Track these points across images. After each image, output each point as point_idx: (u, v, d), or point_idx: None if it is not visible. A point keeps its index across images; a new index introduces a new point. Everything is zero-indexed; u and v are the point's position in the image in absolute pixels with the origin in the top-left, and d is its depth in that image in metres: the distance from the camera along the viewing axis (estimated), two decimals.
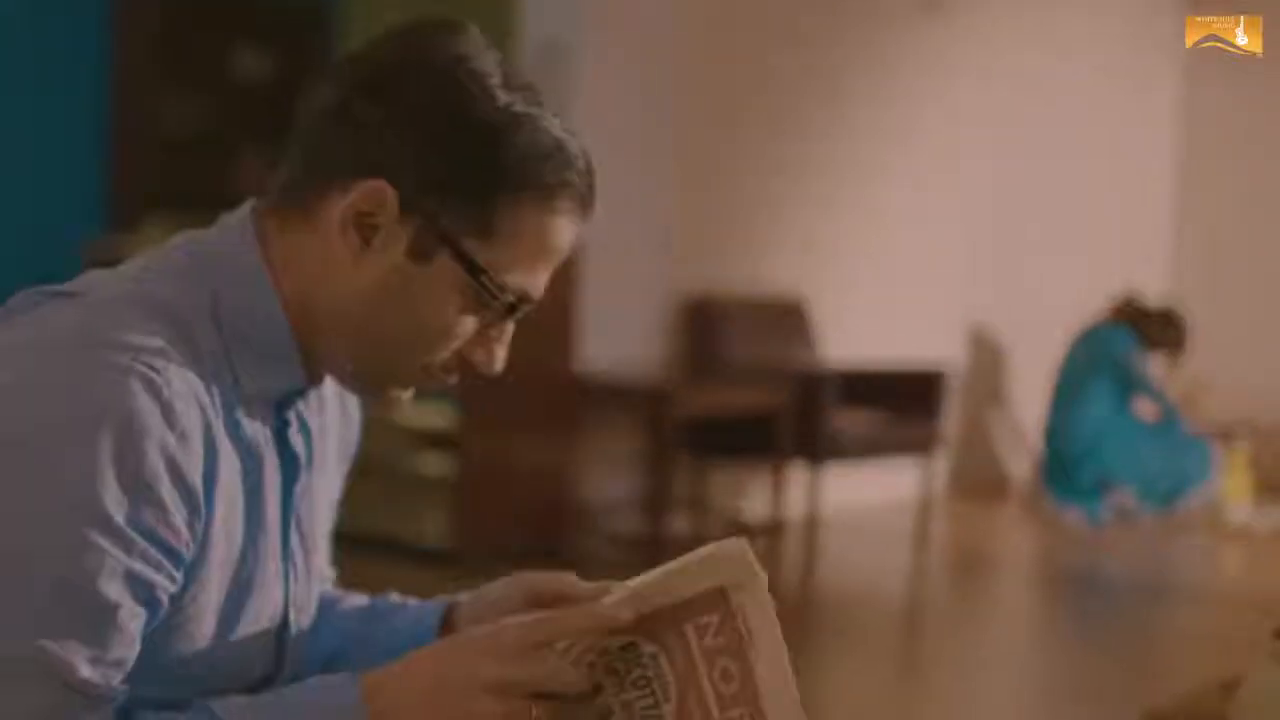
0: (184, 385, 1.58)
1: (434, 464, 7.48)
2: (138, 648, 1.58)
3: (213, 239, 1.74)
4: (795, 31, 8.99)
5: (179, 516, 1.57)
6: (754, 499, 8.53)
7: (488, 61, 1.74)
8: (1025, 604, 8.18)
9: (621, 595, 1.62)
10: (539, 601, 1.79)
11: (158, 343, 1.59)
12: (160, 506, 1.55)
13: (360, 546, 7.32)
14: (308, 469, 1.83)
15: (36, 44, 9.83)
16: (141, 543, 1.54)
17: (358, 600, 2.10)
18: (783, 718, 1.58)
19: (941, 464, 9.59)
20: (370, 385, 1.78)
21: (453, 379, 1.78)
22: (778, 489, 8.01)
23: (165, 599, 1.59)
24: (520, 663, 1.57)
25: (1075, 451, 9.71)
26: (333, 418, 1.94)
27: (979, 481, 10.46)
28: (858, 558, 8.49)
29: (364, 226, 1.68)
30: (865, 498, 9.18)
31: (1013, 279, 10.62)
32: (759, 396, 7.89)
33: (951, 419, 9.50)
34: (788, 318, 8.82)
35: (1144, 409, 10.01)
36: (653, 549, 7.21)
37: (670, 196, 8.38)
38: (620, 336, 8.07)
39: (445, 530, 7.29)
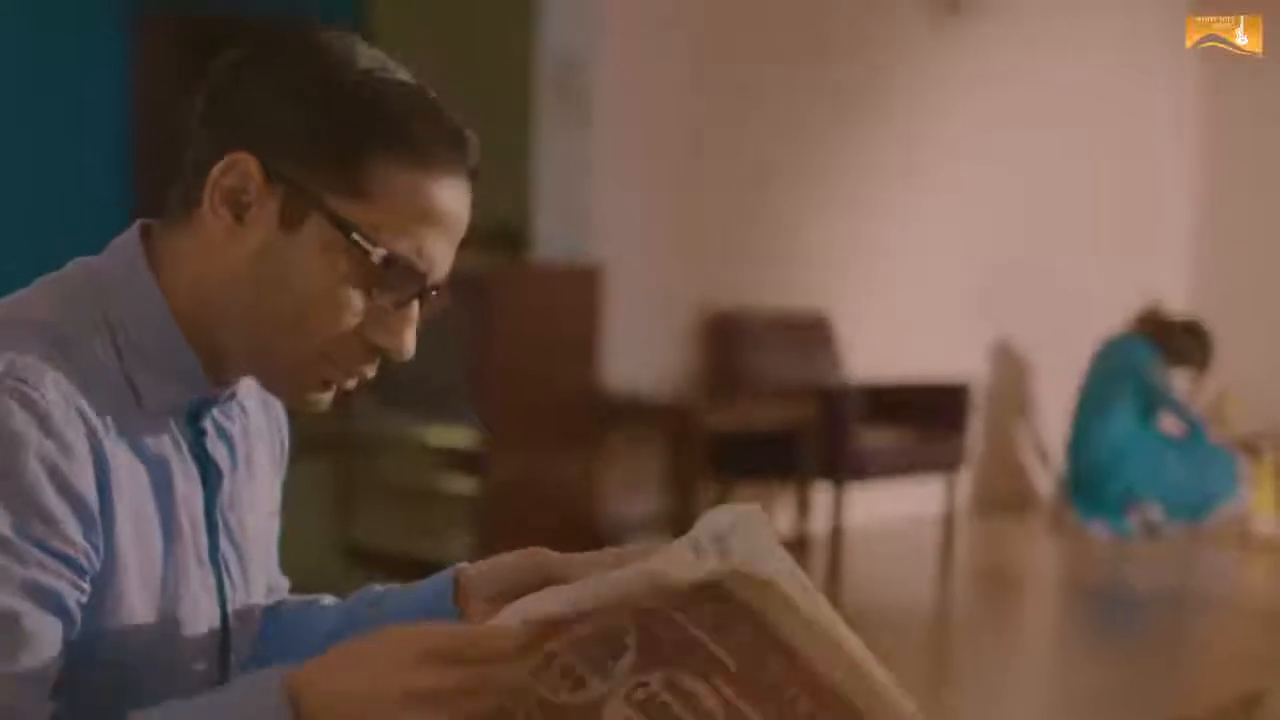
0: (62, 399, 1.56)
1: (457, 483, 7.48)
2: (56, 663, 1.54)
3: (102, 260, 1.73)
4: (816, 44, 8.98)
5: (70, 526, 1.54)
6: (778, 516, 8.51)
7: (348, 39, 1.73)
8: (1051, 619, 8.15)
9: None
10: (551, 583, 1.69)
11: (31, 360, 1.57)
12: (47, 516, 1.53)
13: (383, 566, 7.32)
14: (232, 477, 1.80)
15: (58, 60, 9.87)
16: (35, 552, 1.52)
17: (329, 599, 2.06)
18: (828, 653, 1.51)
19: (966, 479, 9.56)
20: (277, 382, 1.75)
21: (366, 370, 1.73)
22: (802, 506, 7.99)
23: (75, 608, 1.56)
24: (442, 669, 1.46)
25: (1100, 466, 9.68)
26: (257, 424, 1.90)
27: (1004, 497, 10.43)
28: (883, 574, 8.46)
29: (234, 204, 1.66)
30: (890, 513, 9.16)
31: (1036, 293, 10.59)
32: (783, 413, 7.88)
33: (976, 434, 9.48)
34: (812, 334, 8.80)
35: (1168, 422, 9.98)
36: None
37: (693, 212, 8.37)
38: (644, 354, 8.06)
39: (469, 549, 7.28)
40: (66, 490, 1.54)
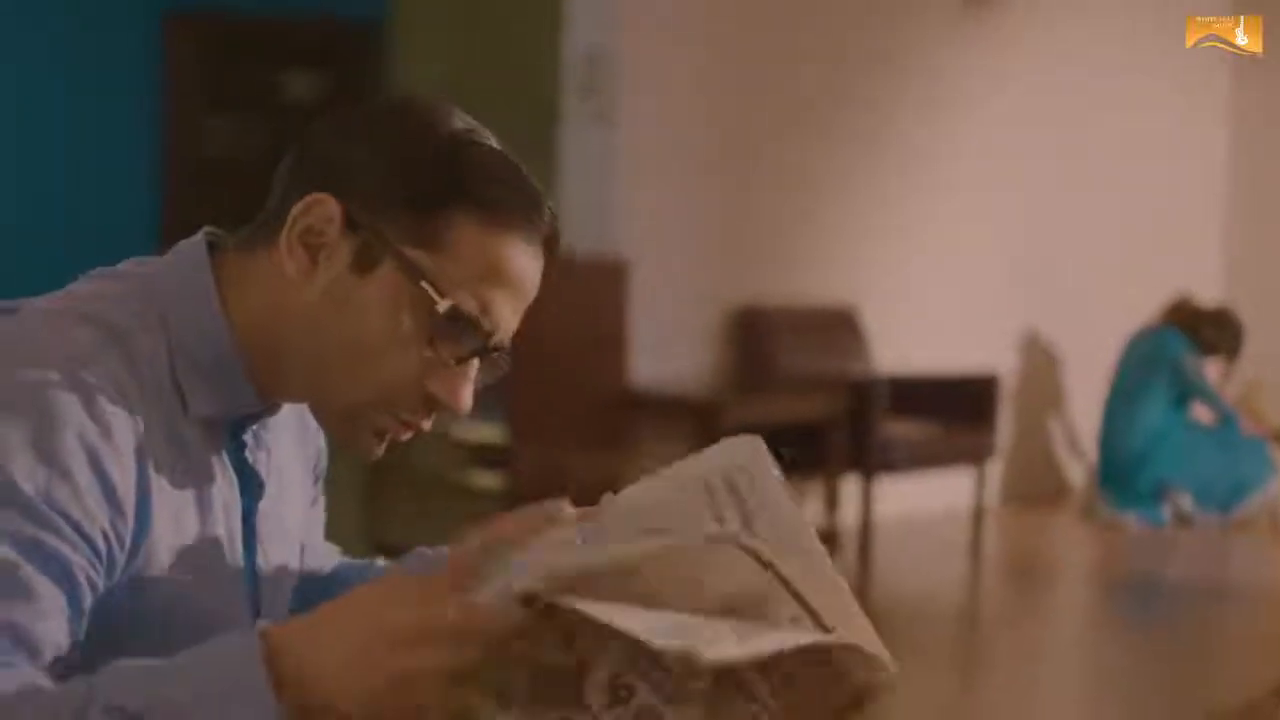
0: (111, 387, 1.58)
1: (485, 478, 7.48)
2: (57, 631, 1.53)
3: (164, 261, 1.75)
4: (840, 40, 8.96)
5: (96, 505, 1.54)
6: (807, 509, 8.50)
7: (443, 105, 1.76)
8: (1083, 610, 8.13)
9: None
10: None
11: (86, 349, 1.59)
12: (75, 489, 1.53)
13: None
14: (267, 490, 1.80)
15: (88, 69, 9.91)
16: (54, 518, 1.52)
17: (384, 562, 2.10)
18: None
19: (996, 471, 9.54)
20: (330, 421, 1.76)
21: (421, 422, 1.74)
22: (831, 500, 7.98)
23: (85, 583, 1.55)
24: (429, 605, 1.45)
25: (1132, 456, 9.65)
26: (293, 439, 1.91)
27: (1034, 488, 10.40)
28: (913, 567, 8.45)
29: (311, 245, 1.68)
30: (919, 506, 9.14)
31: (1065, 284, 10.56)
32: (810, 407, 7.86)
33: (1005, 426, 9.45)
34: (838, 327, 8.78)
35: (1200, 412, 9.95)
36: None
37: (717, 207, 8.36)
38: (670, 349, 8.05)
39: None
40: (100, 473, 1.55)
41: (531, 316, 6.50)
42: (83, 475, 1.53)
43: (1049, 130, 10.36)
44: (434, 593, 1.46)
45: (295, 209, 1.67)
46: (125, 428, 1.57)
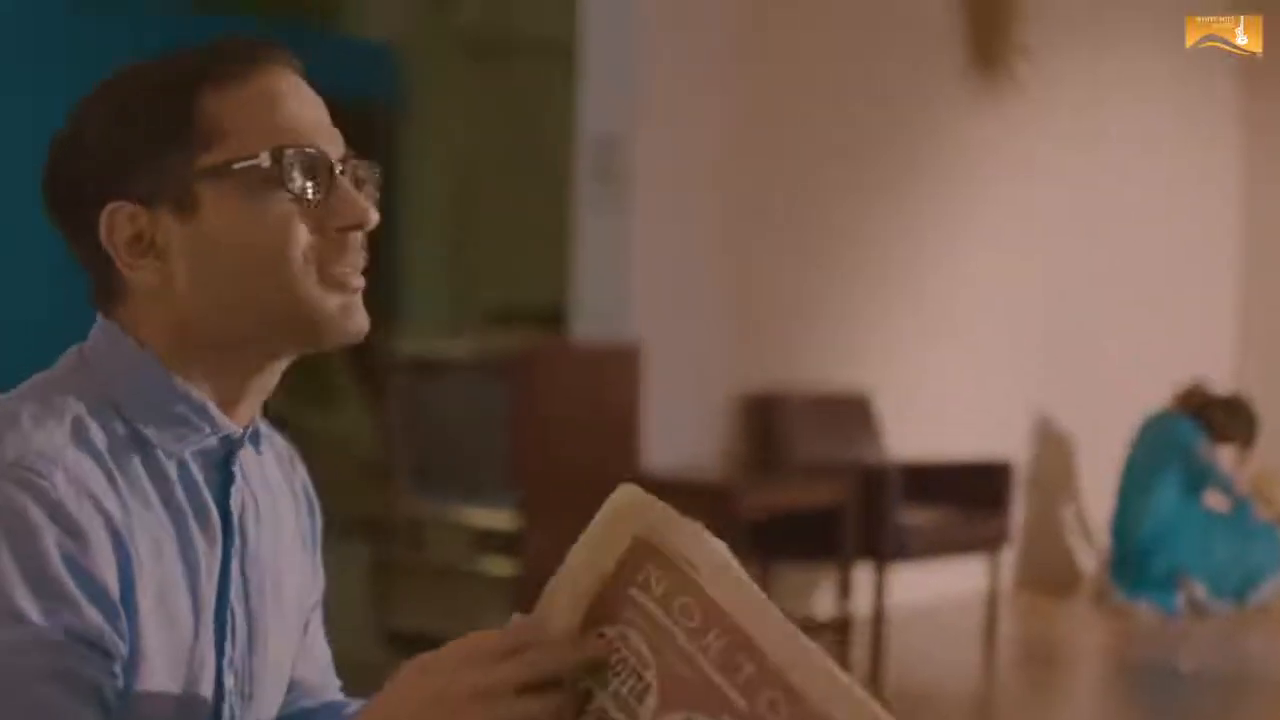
0: (73, 488, 1.56)
1: (497, 565, 7.46)
2: None
3: (88, 344, 1.74)
4: (852, 126, 8.99)
5: (93, 613, 1.54)
6: (820, 596, 8.47)
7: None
8: (1098, 698, 8.10)
9: (558, 606, 1.57)
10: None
11: (39, 448, 1.57)
12: (72, 604, 1.52)
13: (420, 647, 7.28)
14: (258, 537, 1.78)
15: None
16: (65, 639, 1.51)
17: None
18: (749, 615, 1.49)
19: (1009, 557, 9.51)
20: (303, 328, 1.71)
21: (357, 258, 1.72)
22: (844, 587, 7.95)
23: (111, 693, 1.56)
24: (497, 665, 1.51)
25: (1144, 543, 9.62)
26: (286, 507, 1.90)
27: (1047, 575, 10.37)
28: (926, 654, 8.41)
29: (142, 247, 1.68)
30: (932, 593, 9.10)
31: (1078, 370, 10.56)
32: (824, 493, 7.84)
33: (1019, 512, 9.43)
34: (852, 413, 8.77)
35: (1213, 499, 9.92)
36: None
37: (731, 292, 8.36)
38: (683, 434, 8.04)
39: None
40: (86, 579, 1.54)
41: (544, 400, 6.51)
42: (75, 590, 1.53)
43: (1062, 216, 10.38)
44: (493, 649, 1.54)
45: (104, 240, 1.67)
46: (95, 525, 1.56)
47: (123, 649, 1.58)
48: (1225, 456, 9.96)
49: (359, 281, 1.73)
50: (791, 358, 8.69)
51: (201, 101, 1.66)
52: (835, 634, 7.82)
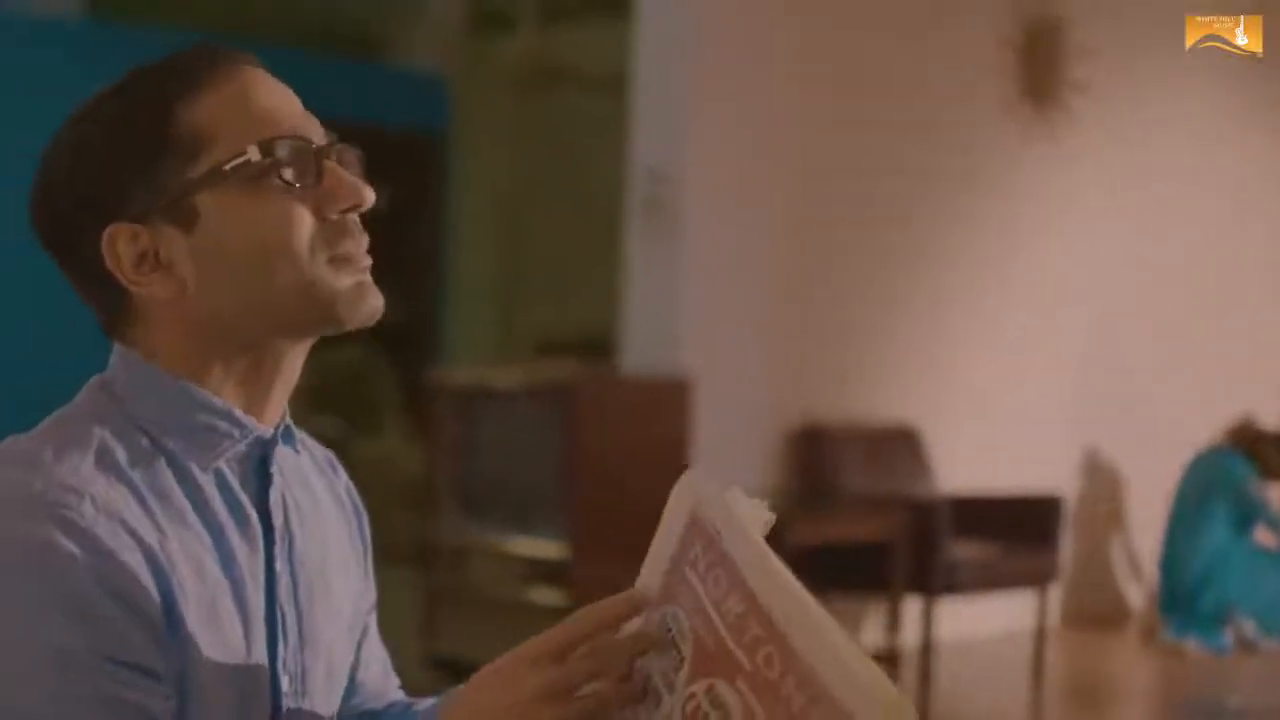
0: (103, 515, 1.56)
1: (544, 595, 7.46)
2: None
3: (108, 373, 1.74)
4: (904, 159, 8.99)
5: (138, 638, 1.54)
6: (869, 629, 8.45)
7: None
8: None
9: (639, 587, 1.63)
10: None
11: (66, 481, 1.57)
12: (116, 632, 1.53)
13: (465, 675, 7.27)
14: (302, 537, 1.79)
15: None
16: (113, 668, 1.52)
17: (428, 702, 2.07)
18: (766, 585, 1.54)
19: (1057, 593, 9.47)
20: (316, 307, 1.71)
21: (361, 240, 1.73)
22: (893, 620, 7.93)
23: (163, 717, 1.56)
24: (563, 662, 1.58)
25: (1193, 580, 9.57)
26: (329, 510, 1.90)
27: (1095, 610, 10.32)
28: (974, 689, 8.38)
29: (147, 264, 1.68)
30: (980, 627, 9.07)
31: (1127, 404, 10.52)
32: (872, 526, 7.83)
33: (1067, 547, 9.39)
34: (900, 446, 8.76)
35: (1263, 536, 9.87)
36: None
37: (780, 325, 8.37)
38: (732, 466, 8.03)
39: None
40: (126, 603, 1.54)
41: (593, 431, 6.52)
42: (117, 618, 1.53)
43: (1112, 250, 10.36)
44: (555, 649, 1.59)
45: (108, 264, 1.67)
46: (127, 548, 1.56)
47: (172, 671, 1.58)
48: (1276, 493, 9.90)
49: (367, 260, 1.74)
50: (840, 391, 8.69)
51: (179, 113, 1.67)
52: (883, 666, 7.78)
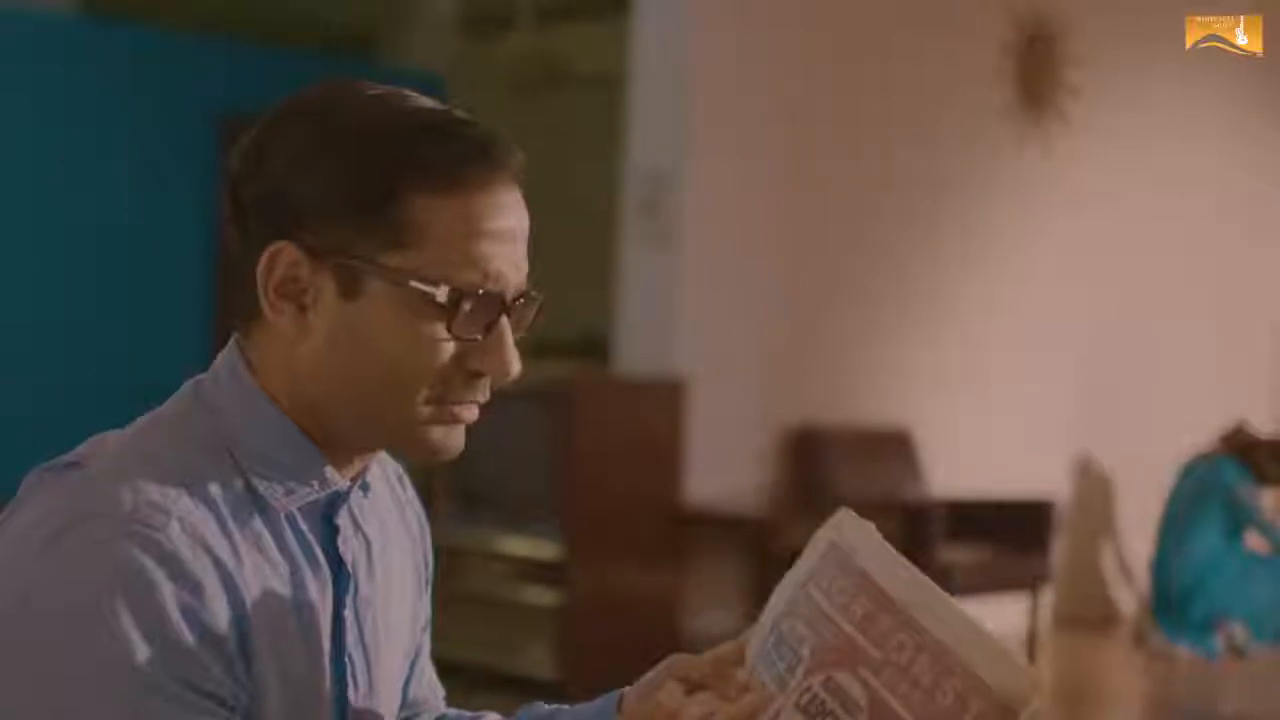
0: (186, 537, 1.56)
1: (538, 595, 7.47)
2: None
3: (208, 379, 1.72)
4: (896, 164, 9.01)
5: (213, 664, 1.55)
6: None
7: (346, 87, 1.69)
8: None
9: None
10: (686, 680, 1.73)
11: (153, 498, 1.57)
12: (191, 656, 1.53)
13: (462, 677, 7.30)
14: (369, 574, 1.78)
15: (148, 171, 10.07)
16: (187, 694, 1.52)
17: (494, 716, 2.05)
18: (898, 582, 1.59)
19: (1049, 596, 9.48)
20: (399, 443, 1.71)
21: (479, 396, 1.70)
22: None
23: None
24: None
25: (1184, 585, 9.57)
26: (396, 534, 1.89)
27: (1085, 615, 10.33)
28: None
29: (291, 294, 1.64)
30: None
31: (1120, 409, 10.54)
32: None
33: (1059, 551, 9.40)
34: (893, 448, 8.77)
35: (1254, 542, 9.87)
36: None
37: (775, 327, 8.38)
38: (726, 468, 8.05)
39: (549, 661, 7.26)
40: (203, 630, 1.54)
41: (588, 432, 6.53)
42: (193, 642, 1.53)
43: (1106, 256, 10.37)
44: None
45: (259, 270, 1.63)
46: (209, 574, 1.56)
47: (243, 698, 1.59)
48: (1267, 499, 9.91)
49: (473, 415, 1.72)
50: (835, 393, 8.70)
51: (410, 199, 1.61)
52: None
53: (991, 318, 9.60)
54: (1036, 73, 9.77)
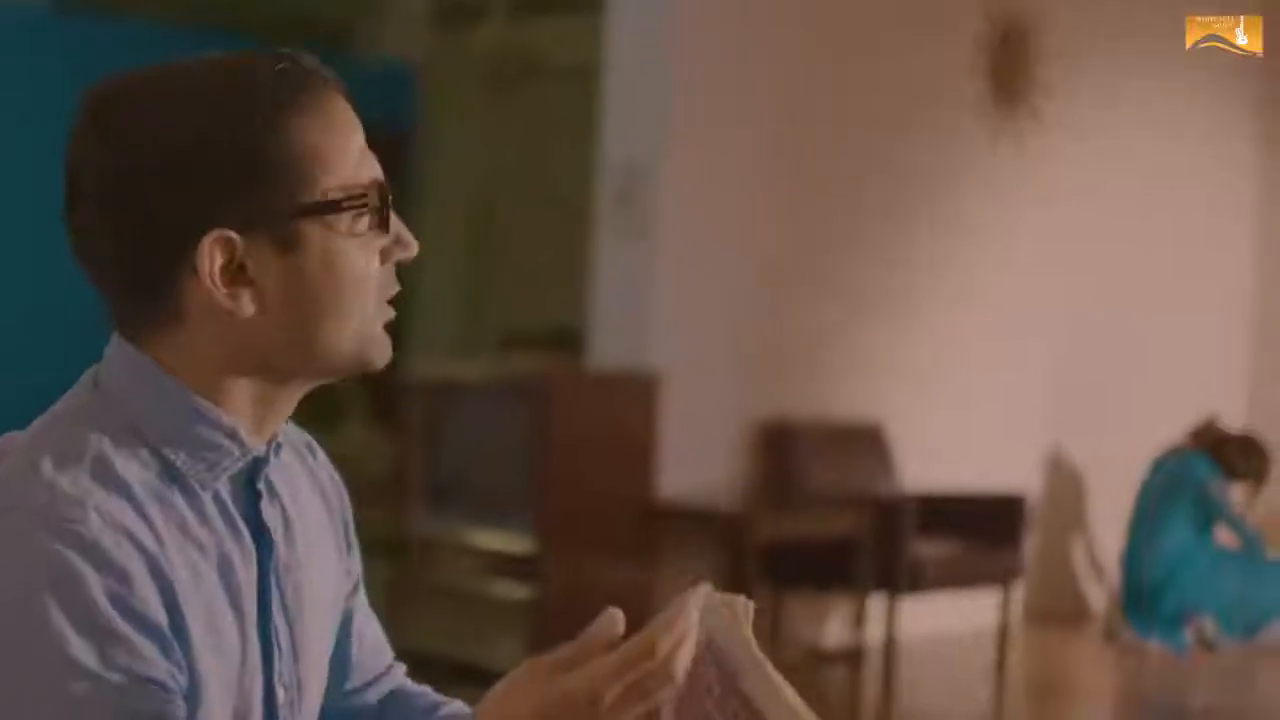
0: (107, 526, 1.54)
1: (510, 588, 7.46)
2: None
3: (102, 368, 1.71)
4: (870, 159, 9.01)
5: (149, 650, 1.54)
6: (833, 626, 8.46)
7: (154, 78, 1.69)
8: None
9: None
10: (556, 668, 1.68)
11: (67, 490, 1.56)
12: (127, 645, 1.52)
13: (434, 670, 7.27)
14: (289, 546, 1.78)
15: None
16: (126, 682, 1.51)
17: (438, 701, 2.07)
18: (746, 669, 1.58)
19: (1020, 591, 9.50)
20: (358, 352, 1.73)
21: (397, 286, 1.76)
22: (857, 617, 7.95)
23: None
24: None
25: (1155, 580, 9.60)
26: (309, 500, 1.88)
27: (1056, 610, 10.35)
28: (937, 687, 8.40)
29: (235, 277, 1.64)
30: (943, 626, 9.10)
31: (1091, 404, 10.55)
32: (838, 523, 7.85)
33: (1030, 546, 9.42)
34: (866, 444, 8.78)
35: (1224, 536, 9.90)
36: None
37: (748, 322, 8.38)
38: (698, 462, 8.04)
39: (522, 656, 7.25)
40: (135, 617, 1.54)
41: (561, 425, 6.51)
42: (127, 630, 1.53)
43: (1078, 251, 10.38)
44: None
45: (200, 264, 1.62)
46: (134, 560, 1.55)
47: (182, 680, 1.58)
48: (1237, 494, 9.94)
49: (390, 317, 1.77)
50: (808, 388, 8.70)
51: (293, 131, 1.65)
52: (847, 663, 7.81)
53: (964, 313, 9.60)
54: (1010, 70, 9.78)
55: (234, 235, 1.63)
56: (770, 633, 8.07)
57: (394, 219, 1.72)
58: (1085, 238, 10.44)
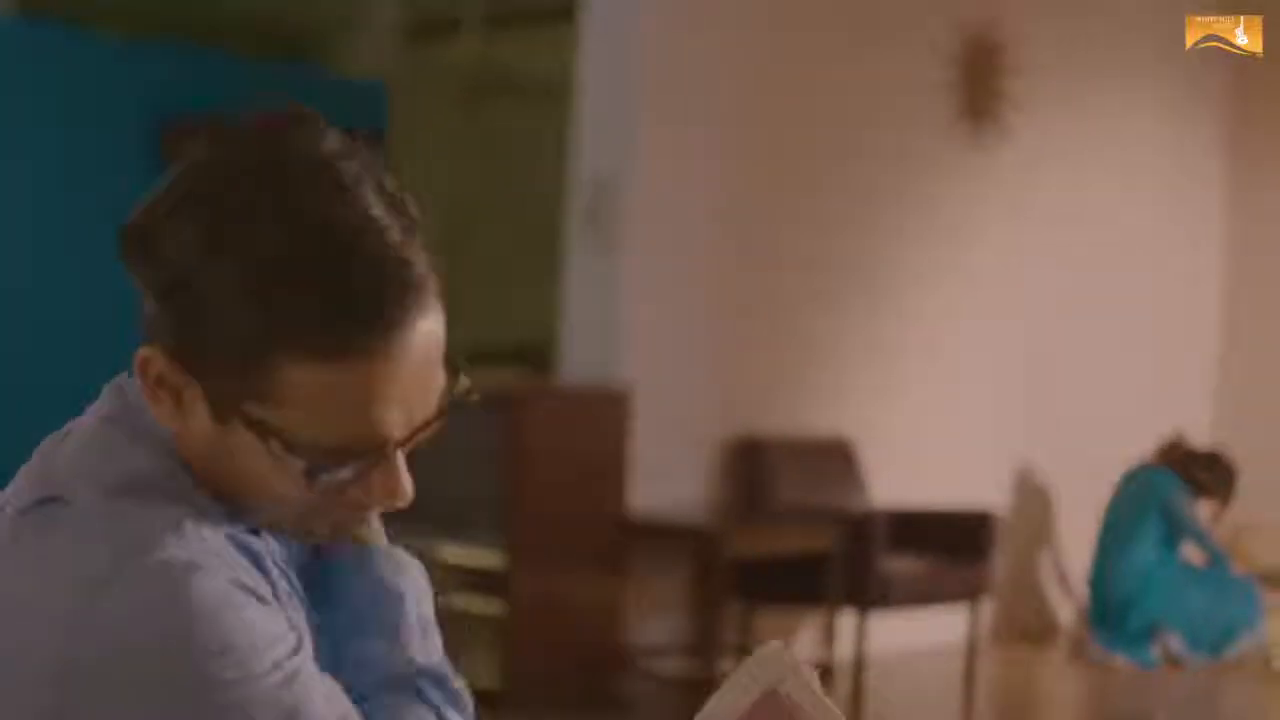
0: (212, 549, 1.47)
1: (480, 604, 7.46)
2: None
3: (129, 408, 1.57)
4: (839, 174, 9.02)
5: (291, 632, 1.48)
6: (802, 641, 8.47)
7: (265, 168, 1.49)
8: None
9: None
10: None
11: (173, 526, 1.46)
12: (289, 635, 1.48)
13: None
14: None
15: (89, 176, 10.00)
16: (307, 664, 1.48)
17: None
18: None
19: (988, 608, 9.52)
20: (291, 533, 1.58)
21: (370, 516, 1.62)
22: (827, 633, 7.95)
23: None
24: None
25: (1122, 596, 9.63)
26: None
27: (1025, 626, 10.37)
28: (906, 703, 8.41)
29: (169, 388, 1.50)
30: (913, 641, 9.11)
31: (1059, 421, 10.57)
32: (808, 539, 7.86)
33: (998, 562, 9.44)
34: (836, 460, 8.79)
35: (1191, 553, 9.93)
36: (701, 692, 7.16)
37: (718, 338, 8.39)
38: (669, 478, 8.05)
39: (492, 671, 7.25)
40: (266, 608, 1.48)
41: (532, 440, 6.51)
42: (280, 625, 1.48)
43: (1047, 268, 10.41)
44: None
45: (137, 362, 1.51)
46: (255, 579, 1.49)
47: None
48: (1204, 510, 9.97)
49: (374, 522, 1.67)
50: (777, 404, 8.71)
51: (282, 360, 1.45)
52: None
53: (932, 329, 9.62)
54: (978, 84, 9.80)
55: (166, 362, 1.50)
56: (740, 648, 8.08)
57: (389, 466, 1.52)
58: (1053, 251, 10.47)
